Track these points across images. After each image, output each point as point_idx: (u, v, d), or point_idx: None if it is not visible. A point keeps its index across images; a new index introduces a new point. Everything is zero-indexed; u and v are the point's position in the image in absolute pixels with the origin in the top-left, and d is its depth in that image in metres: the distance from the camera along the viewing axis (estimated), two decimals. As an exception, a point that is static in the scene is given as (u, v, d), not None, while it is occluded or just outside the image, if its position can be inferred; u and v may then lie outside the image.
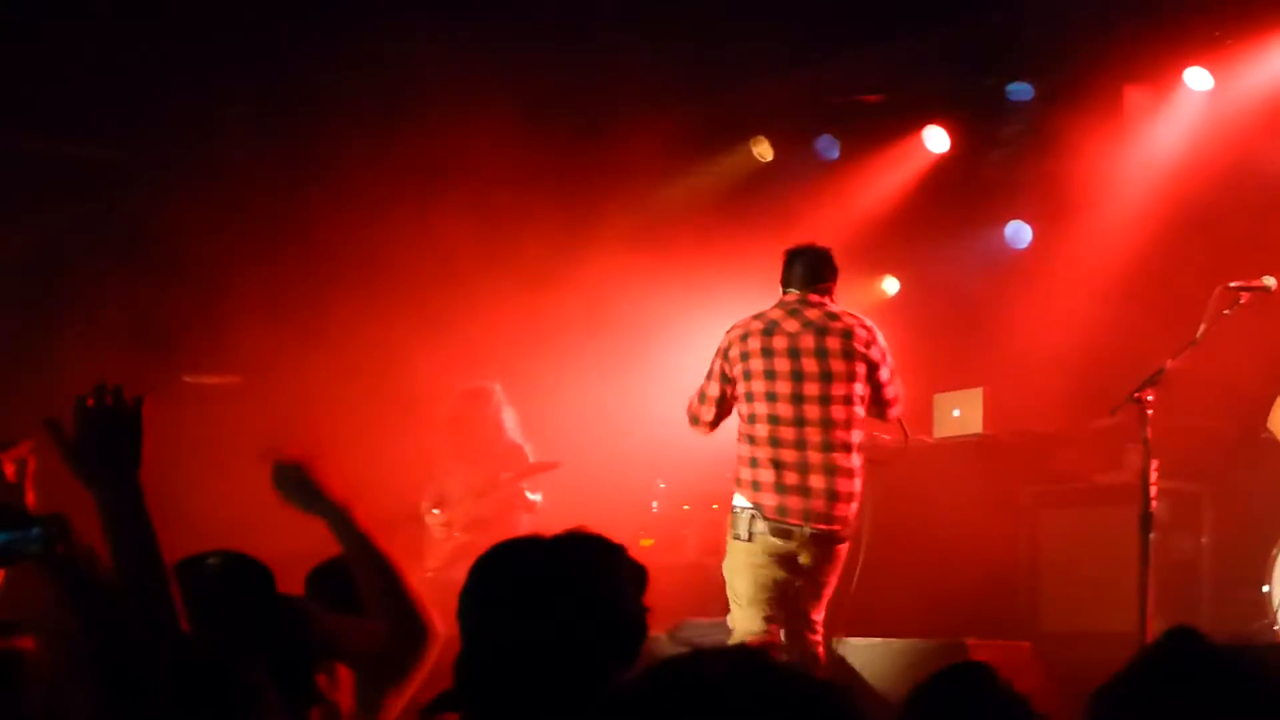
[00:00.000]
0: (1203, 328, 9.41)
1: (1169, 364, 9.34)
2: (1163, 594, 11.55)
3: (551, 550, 3.68)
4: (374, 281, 14.23)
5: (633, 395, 14.62)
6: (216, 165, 13.92)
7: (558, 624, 3.56)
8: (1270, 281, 9.55)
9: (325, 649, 4.62)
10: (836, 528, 9.39)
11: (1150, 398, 9.17)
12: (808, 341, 9.50)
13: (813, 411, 9.38)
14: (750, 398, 9.51)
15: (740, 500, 9.48)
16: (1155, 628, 9.80)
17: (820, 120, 15.47)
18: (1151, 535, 9.27)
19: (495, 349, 14.15)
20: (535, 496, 12.93)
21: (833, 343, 9.54)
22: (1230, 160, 13.73)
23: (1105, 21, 13.60)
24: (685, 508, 14.69)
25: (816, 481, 9.31)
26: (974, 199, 15.35)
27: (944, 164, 15.33)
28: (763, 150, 15.66)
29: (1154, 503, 9.31)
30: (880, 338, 9.75)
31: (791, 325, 9.57)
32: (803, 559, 9.39)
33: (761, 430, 9.43)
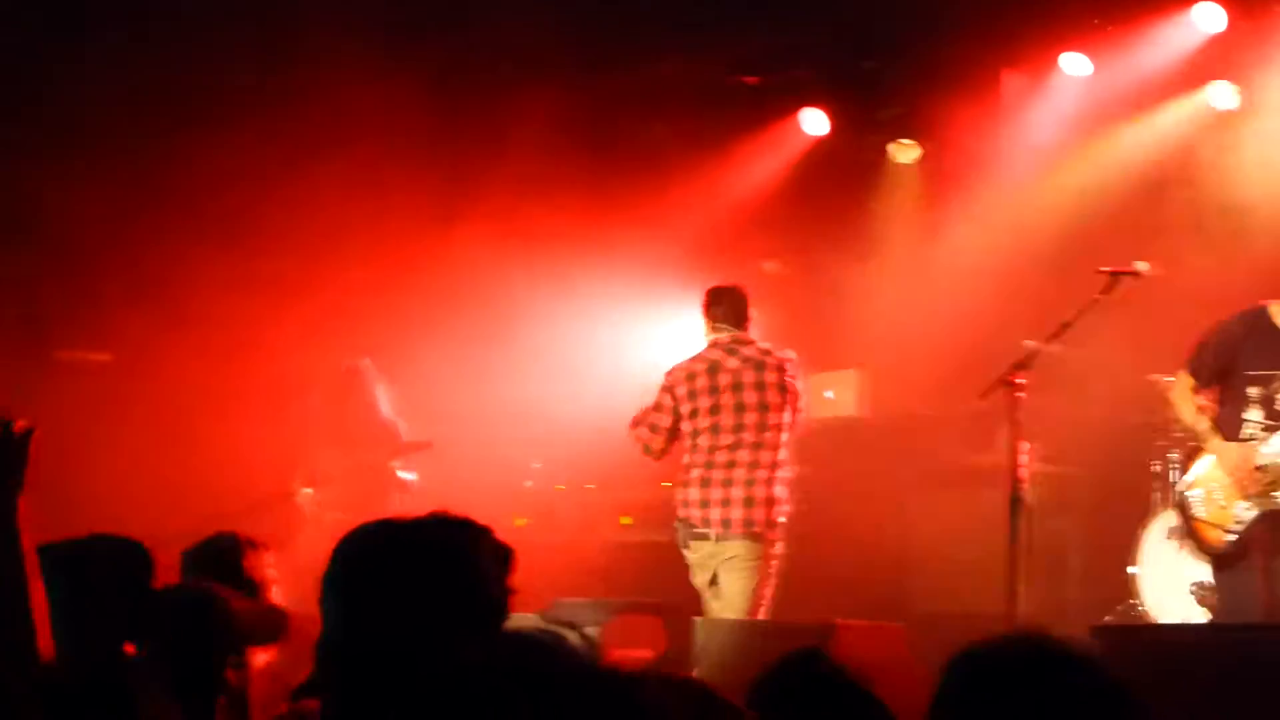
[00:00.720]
0: (1074, 312, 9.47)
1: (1040, 347, 9.42)
2: (1032, 575, 11.72)
3: (412, 532, 3.67)
4: (243, 255, 14.06)
5: (508, 374, 14.61)
6: (79, 135, 13.71)
7: (416, 605, 3.56)
8: (1143, 266, 9.63)
9: (232, 637, 4.57)
10: (757, 530, 10.64)
11: (1021, 381, 9.25)
12: (748, 377, 10.65)
13: (749, 437, 10.60)
14: (696, 433, 10.69)
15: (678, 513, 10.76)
16: (1025, 609, 9.93)
17: (701, 102, 15.47)
18: (1021, 517, 9.33)
19: (368, 326, 14.09)
20: (409, 476, 12.91)
21: (769, 377, 10.70)
22: (1105, 145, 13.90)
23: (984, 6, 13.69)
24: (559, 487, 14.72)
25: (737, 493, 10.58)
26: (851, 182, 15.44)
27: (822, 146, 15.40)
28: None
29: (1023, 485, 9.39)
30: (798, 369, 10.90)
31: (732, 363, 10.68)
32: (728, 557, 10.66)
33: (701, 458, 10.67)
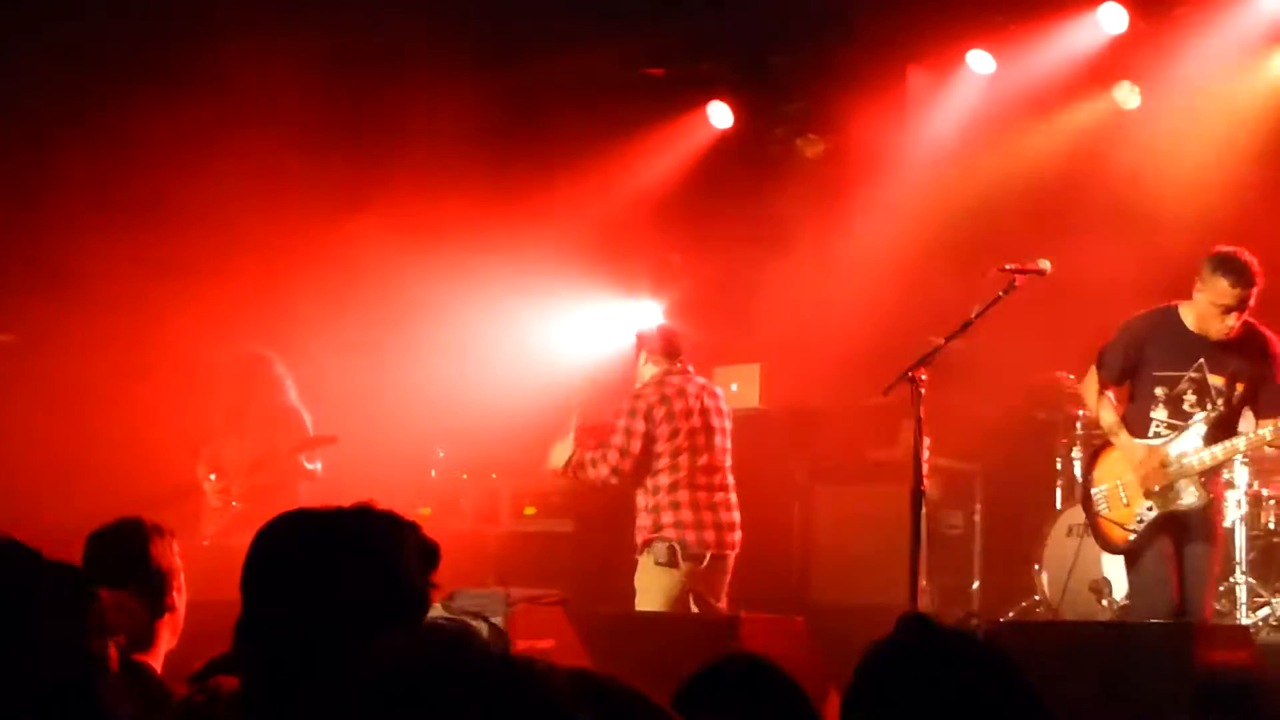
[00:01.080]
0: (977, 309, 9.51)
1: (942, 343, 9.46)
2: (934, 570, 11.85)
3: (335, 521, 3.71)
4: (147, 240, 13.95)
5: (413, 364, 14.60)
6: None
7: (337, 594, 3.60)
8: (1045, 264, 9.67)
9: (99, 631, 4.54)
10: (733, 550, 11.18)
11: (923, 377, 9.30)
12: (710, 403, 11.18)
13: (720, 459, 11.16)
14: (677, 452, 10.99)
15: (665, 533, 10.95)
16: (926, 603, 10.02)
17: (607, 94, 15.49)
18: (923, 512, 9.39)
19: (271, 314, 14.00)
20: (314, 466, 12.88)
21: (722, 405, 11.34)
22: (1010, 143, 14.01)
23: (890, 2, 13.78)
24: (463, 476, 14.73)
25: (725, 516, 11.08)
26: (757, 175, 15.51)
27: (727, 140, 15.47)
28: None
29: (926, 480, 9.46)
30: None
31: (694, 389, 11.15)
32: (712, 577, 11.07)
33: (684, 477, 11.00)
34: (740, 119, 15.36)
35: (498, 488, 14.60)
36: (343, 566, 3.65)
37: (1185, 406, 9.88)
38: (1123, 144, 13.67)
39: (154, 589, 5.96)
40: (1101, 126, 13.89)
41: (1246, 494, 11.40)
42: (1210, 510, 9.84)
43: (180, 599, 6.09)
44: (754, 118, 15.41)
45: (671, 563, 10.95)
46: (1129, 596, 10.48)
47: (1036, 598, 12.28)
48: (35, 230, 13.72)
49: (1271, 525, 11.53)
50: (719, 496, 11.10)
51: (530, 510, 14.43)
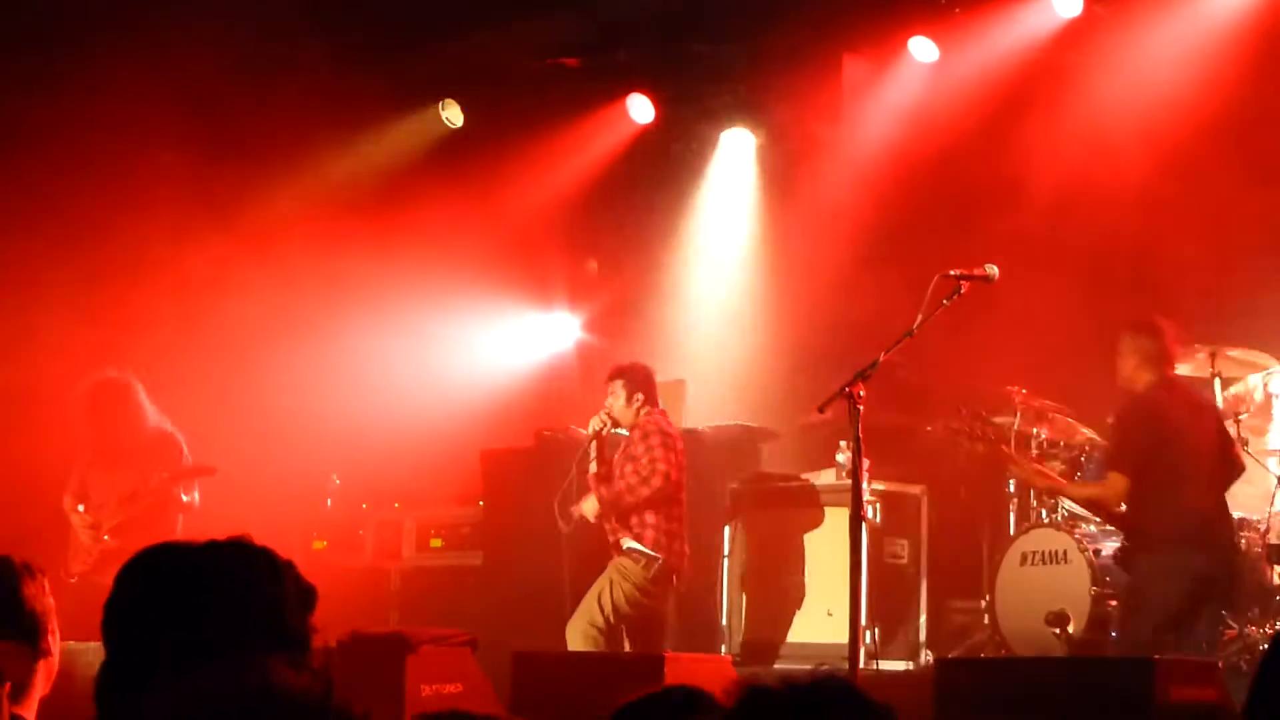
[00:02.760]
0: (920, 318, 9.44)
1: (883, 357, 9.39)
2: (877, 602, 11.84)
3: (204, 557, 3.66)
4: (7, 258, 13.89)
5: (305, 384, 14.54)
6: None
7: (206, 637, 3.55)
8: (992, 270, 9.60)
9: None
10: None
11: (862, 393, 9.23)
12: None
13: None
14: (680, 485, 12.10)
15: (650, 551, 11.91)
16: (867, 641, 10.03)
17: (515, 85, 15.47)
18: (863, 538, 9.34)
19: (148, 337, 13.93)
20: (189, 498, 12.78)
21: None
22: (955, 137, 14.01)
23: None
24: (363, 506, 14.67)
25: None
26: (680, 172, 15.54)
27: (649, 134, 15.47)
28: (451, 115, 15.66)
29: (866, 505, 9.43)
30: None
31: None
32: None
33: (682, 511, 12.11)
34: (662, 112, 15.36)
35: (401, 518, 14.53)
36: (210, 607, 3.60)
37: None
38: (1079, 135, 13.71)
39: (28, 632, 5.89)
40: (1055, 117, 13.92)
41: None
42: None
43: (55, 642, 6.02)
44: (677, 111, 15.41)
45: (660, 585, 11.98)
46: None
47: (989, 632, 12.29)
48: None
49: (1243, 551, 11.58)
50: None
51: (437, 543, 14.38)
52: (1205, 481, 10.77)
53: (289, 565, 3.72)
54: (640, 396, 12.19)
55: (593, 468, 12.14)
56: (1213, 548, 10.65)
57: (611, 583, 11.83)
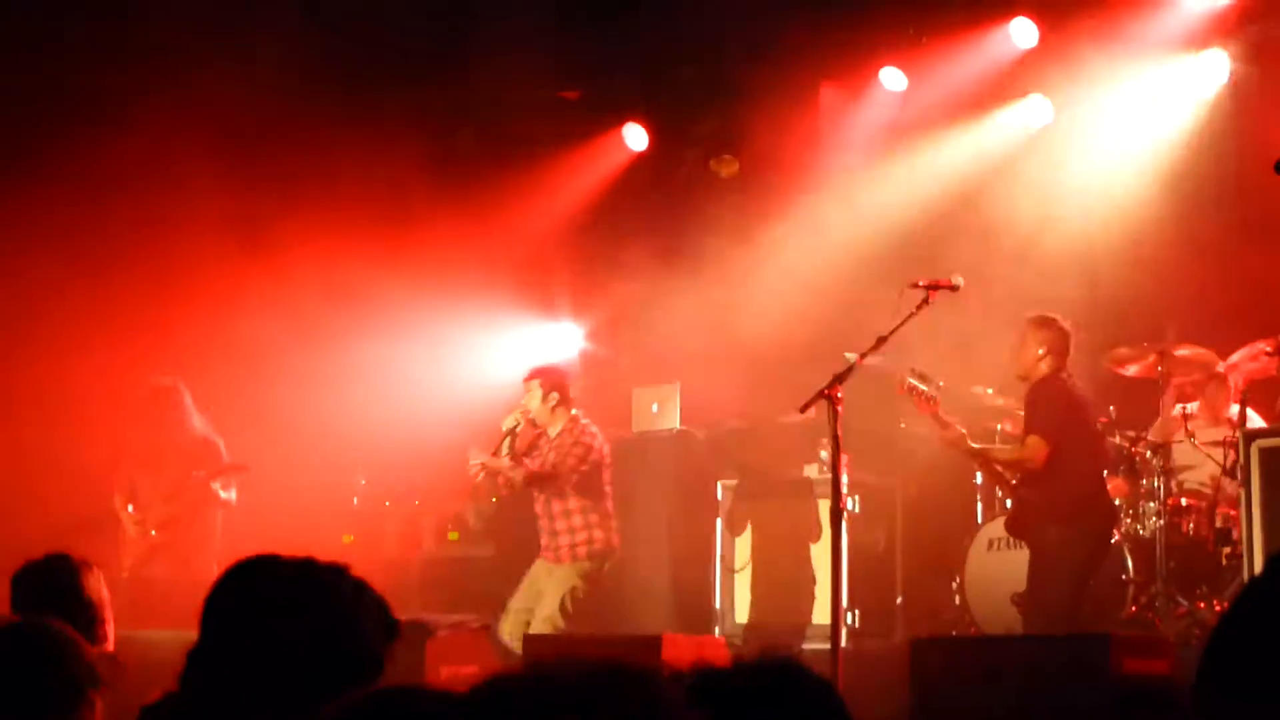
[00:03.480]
0: (892, 325, 9.55)
1: (857, 360, 9.50)
2: (857, 586, 11.92)
3: (309, 573, 3.75)
4: (55, 270, 13.93)
5: (332, 391, 14.59)
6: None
7: (294, 645, 3.64)
8: (958, 280, 9.73)
9: (86, 682, 4.51)
10: None
11: (840, 394, 9.33)
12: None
13: None
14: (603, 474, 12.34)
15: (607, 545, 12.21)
16: (848, 619, 10.10)
17: (522, 117, 15.50)
18: (842, 528, 9.44)
19: (190, 344, 13.99)
20: (228, 495, 12.88)
21: None
22: (923, 159, 14.11)
23: (801, 20, 13.84)
24: (386, 504, 14.77)
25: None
26: (673, 195, 15.58)
27: (643, 161, 15.54)
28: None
29: (845, 497, 9.51)
30: None
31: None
32: None
33: (610, 502, 12.29)
34: (654, 140, 15.44)
35: (420, 514, 14.65)
36: (308, 619, 3.70)
37: None
38: (1034, 158, 13.80)
39: (88, 622, 5.96)
40: (1013, 141, 14.02)
41: (1167, 504, 11.56)
42: None
43: (110, 631, 6.10)
44: (667, 139, 15.49)
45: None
46: None
47: (960, 612, 12.35)
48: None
49: (1191, 534, 11.68)
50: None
51: (454, 536, 14.50)
52: (1101, 459, 11.24)
53: (378, 600, 3.81)
54: (555, 396, 12.27)
55: (505, 462, 12.12)
56: (1107, 517, 10.99)
57: (574, 588, 11.95)
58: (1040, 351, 10.94)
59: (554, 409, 12.26)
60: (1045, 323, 11.06)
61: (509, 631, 11.72)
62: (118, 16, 13.50)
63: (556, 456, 12.14)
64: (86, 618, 5.95)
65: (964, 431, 11.16)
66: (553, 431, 12.29)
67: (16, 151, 13.73)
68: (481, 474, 12.17)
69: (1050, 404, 10.84)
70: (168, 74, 13.48)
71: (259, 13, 13.87)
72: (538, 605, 11.86)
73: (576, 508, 12.16)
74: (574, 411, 12.35)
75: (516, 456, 12.15)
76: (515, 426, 12.20)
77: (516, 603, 11.98)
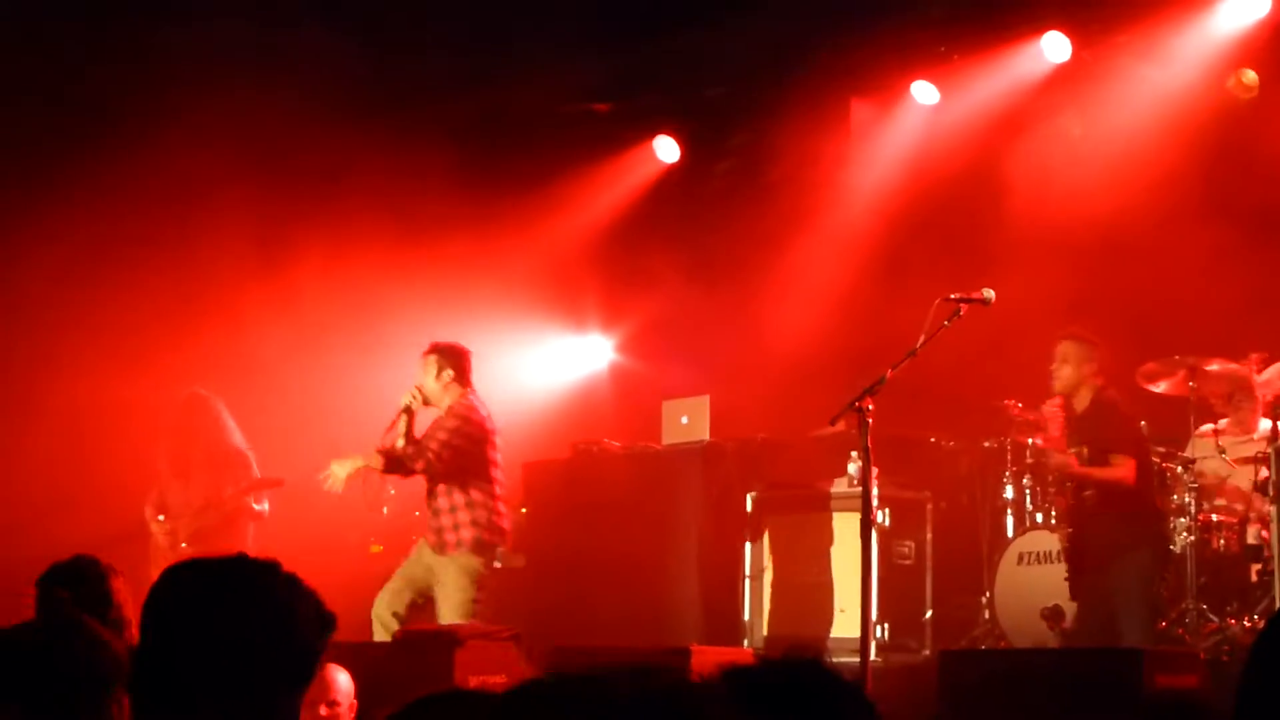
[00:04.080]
0: (922, 338, 9.49)
1: (889, 373, 9.44)
2: (886, 599, 11.84)
3: (237, 569, 3.76)
4: (81, 283, 13.94)
5: (363, 402, 14.56)
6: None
7: (227, 640, 3.63)
8: (989, 294, 9.66)
9: (115, 679, 4.51)
10: None
11: (870, 406, 9.27)
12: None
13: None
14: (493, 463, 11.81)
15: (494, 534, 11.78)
16: (879, 632, 10.03)
17: (554, 130, 15.47)
18: (872, 540, 9.36)
19: (222, 357, 13.99)
20: (260, 507, 12.86)
21: None
22: (954, 172, 14.05)
23: (833, 34, 13.82)
24: (416, 514, 14.69)
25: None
26: (702, 207, 15.55)
27: (674, 173, 15.51)
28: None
29: (875, 510, 9.44)
30: None
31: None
32: None
33: (496, 485, 11.83)
34: (685, 152, 15.41)
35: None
36: (242, 613, 3.69)
37: None
38: (1066, 170, 13.74)
39: (116, 625, 5.92)
40: (1045, 154, 13.95)
41: (1198, 519, 11.47)
42: None
43: (136, 636, 6.05)
44: (698, 151, 15.45)
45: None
46: None
47: (990, 626, 12.28)
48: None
49: (1222, 549, 11.59)
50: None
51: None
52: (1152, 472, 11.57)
53: (310, 595, 3.80)
54: (450, 373, 11.74)
55: (400, 442, 11.73)
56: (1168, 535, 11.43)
57: (476, 578, 11.69)
58: (1091, 368, 11.06)
59: (446, 385, 11.75)
60: (1087, 338, 11.10)
61: (386, 604, 11.63)
62: (144, 34, 13.49)
63: (428, 432, 11.71)
64: (115, 620, 5.91)
65: (1067, 458, 11.32)
66: (441, 409, 11.82)
67: (52, 170, 13.75)
68: (330, 482, 11.62)
69: (1130, 419, 11.11)
70: (197, 93, 13.44)
71: (287, 30, 13.85)
72: (438, 592, 11.68)
73: (457, 489, 11.75)
74: (467, 390, 11.80)
75: (410, 436, 11.73)
76: (410, 403, 11.78)
77: (394, 583, 11.81)
